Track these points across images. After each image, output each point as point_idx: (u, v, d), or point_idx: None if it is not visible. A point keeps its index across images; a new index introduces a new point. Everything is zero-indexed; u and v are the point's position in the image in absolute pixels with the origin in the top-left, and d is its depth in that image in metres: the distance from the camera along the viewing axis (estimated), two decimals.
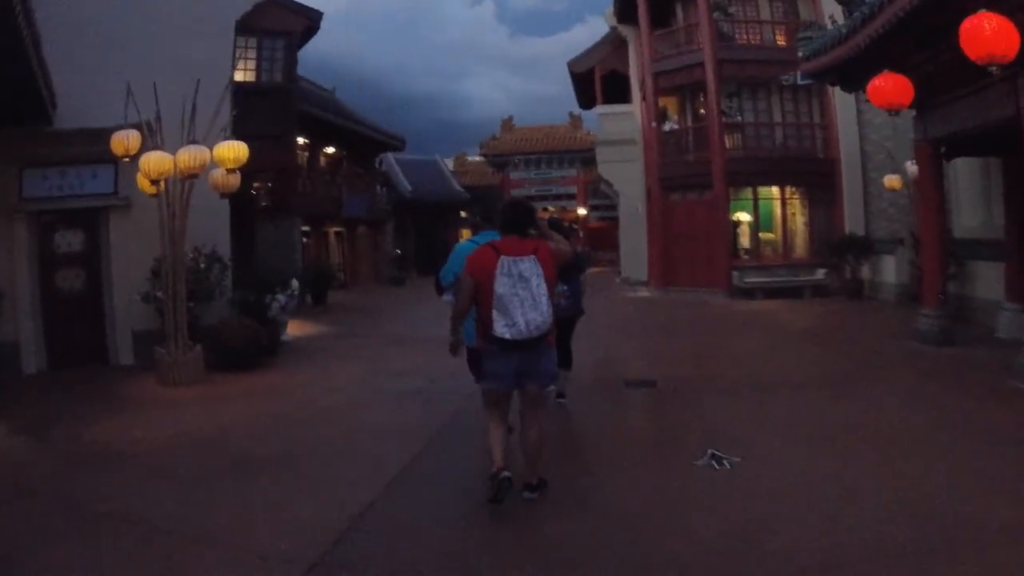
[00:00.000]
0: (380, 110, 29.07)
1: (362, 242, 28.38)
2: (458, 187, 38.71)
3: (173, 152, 8.49)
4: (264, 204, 15.47)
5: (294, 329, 13.51)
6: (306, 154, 23.29)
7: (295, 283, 11.67)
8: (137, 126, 8.58)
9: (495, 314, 3.93)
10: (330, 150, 25.13)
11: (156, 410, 7.44)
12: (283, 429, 6.58)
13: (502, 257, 3.94)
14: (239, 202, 12.35)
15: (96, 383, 8.86)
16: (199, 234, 10.15)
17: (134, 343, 10.11)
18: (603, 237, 35.53)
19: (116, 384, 8.85)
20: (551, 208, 35.71)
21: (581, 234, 31.13)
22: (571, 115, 40.63)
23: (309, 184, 22.61)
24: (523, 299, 3.88)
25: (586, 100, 29.32)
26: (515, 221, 4.14)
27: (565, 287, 6.06)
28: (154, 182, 8.70)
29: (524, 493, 4.24)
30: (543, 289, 3.93)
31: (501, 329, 3.92)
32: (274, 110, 14.05)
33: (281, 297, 10.92)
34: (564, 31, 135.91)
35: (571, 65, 26.30)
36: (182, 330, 8.95)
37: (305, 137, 22.33)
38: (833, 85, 12.97)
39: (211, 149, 8.80)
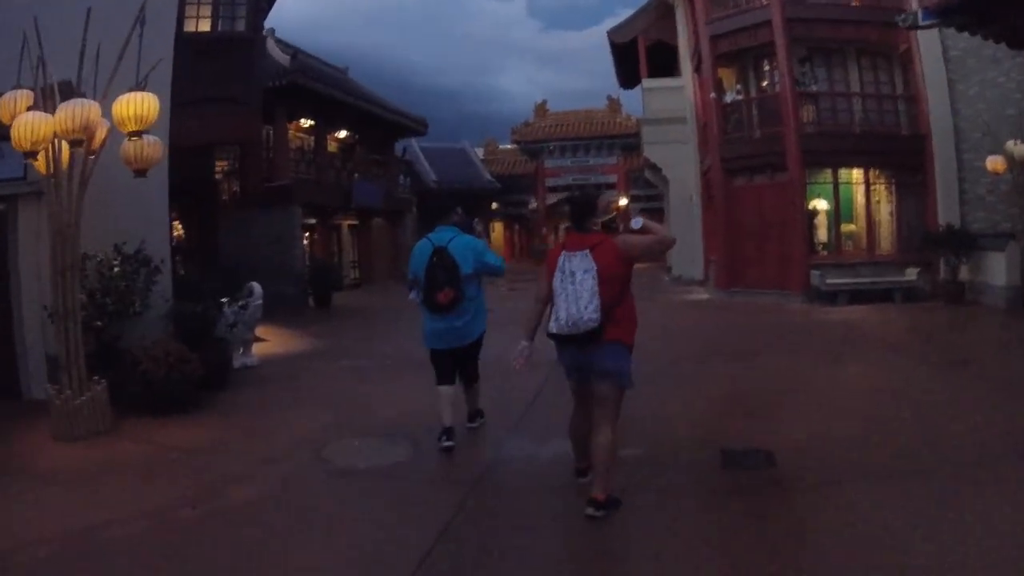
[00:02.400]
0: (409, 103, 26.70)
1: (379, 235, 25.74)
2: (488, 176, 36.07)
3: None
4: (234, 189, 12.48)
5: (271, 345, 10.87)
6: (311, 137, 20.74)
7: (256, 288, 8.94)
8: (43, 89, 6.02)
9: (553, 309, 3.99)
10: (341, 134, 22.53)
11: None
12: (131, 558, 3.86)
13: (563, 253, 3.98)
14: (196, 186, 9.74)
15: None
16: (123, 229, 7.60)
17: (51, 371, 7.49)
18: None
19: (5, 430, 6.34)
20: (620, 197, 32.88)
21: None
22: (609, 98, 38.04)
23: (314, 170, 20.04)
24: (568, 294, 3.86)
25: (628, 76, 26.45)
26: (581, 216, 4.10)
27: None
28: (31, 155, 6.07)
29: (587, 509, 3.95)
30: (587, 285, 3.83)
31: (550, 323, 3.99)
32: (234, 68, 11.06)
33: (229, 310, 8.23)
34: (595, 25, 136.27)
35: (612, 35, 23.32)
36: (76, 361, 6.32)
37: (309, 118, 19.78)
38: (961, 29, 10.00)
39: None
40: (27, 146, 5.95)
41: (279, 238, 17.14)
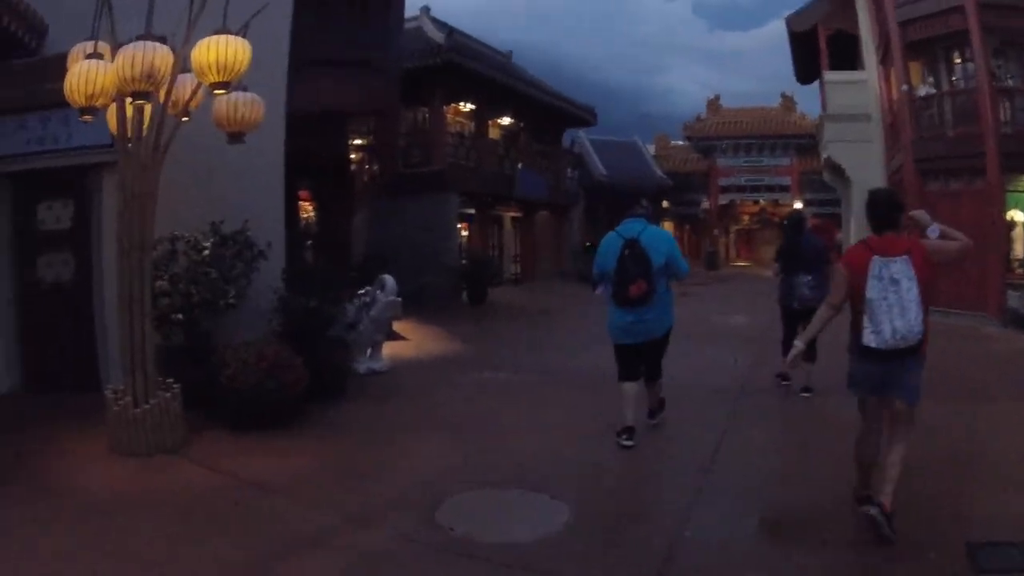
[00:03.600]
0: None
1: (543, 229, 24.20)
2: (660, 173, 33.76)
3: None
4: (373, 170, 10.92)
5: (409, 346, 9.51)
6: (471, 123, 19.52)
7: (388, 282, 7.51)
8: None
9: (864, 319, 3.58)
10: (504, 121, 21.19)
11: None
12: None
13: (874, 257, 3.59)
14: (328, 163, 8.54)
15: (36, 427, 5.46)
16: (227, 206, 6.44)
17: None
18: (817, 235, 29.41)
19: (63, 434, 5.36)
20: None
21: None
22: (783, 96, 35.15)
23: (474, 156, 18.77)
24: (891, 304, 3.50)
25: (805, 70, 23.62)
26: (888, 216, 3.75)
27: (810, 277, 6.37)
28: (90, 111, 4.90)
29: (869, 509, 3.52)
30: (913, 294, 3.49)
31: (868, 336, 3.57)
32: (369, 28, 9.27)
33: (352, 307, 6.83)
34: (759, 27, 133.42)
35: (790, 21, 20.56)
36: (142, 361, 5.11)
37: (468, 101, 18.54)
38: None
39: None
40: (82, 100, 4.81)
41: (432, 227, 16.01)
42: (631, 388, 5.16)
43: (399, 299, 7.41)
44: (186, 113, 5.45)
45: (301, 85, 7.57)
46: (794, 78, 25.18)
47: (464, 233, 19.68)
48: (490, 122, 20.37)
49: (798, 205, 31.94)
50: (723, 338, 10.32)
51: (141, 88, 4.70)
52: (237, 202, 6.60)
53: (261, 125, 5.71)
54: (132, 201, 5.12)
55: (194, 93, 5.37)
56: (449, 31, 16.60)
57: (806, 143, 31.10)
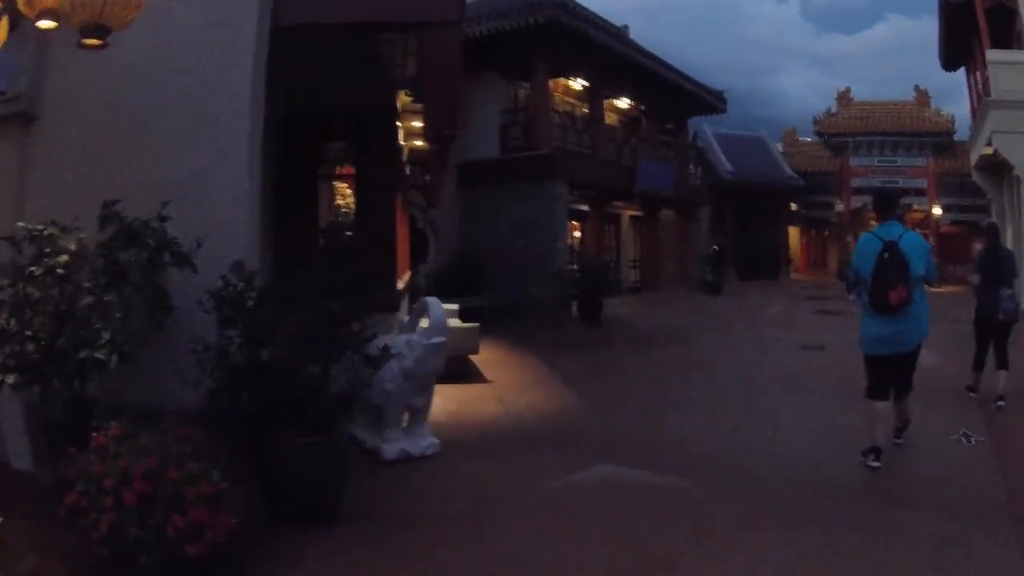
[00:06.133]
0: None
1: (667, 231, 20.63)
2: (789, 171, 29.90)
3: None
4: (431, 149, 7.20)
5: (484, 394, 6.45)
6: (584, 104, 16.34)
7: (434, 308, 4.40)
8: None
9: None
10: (623, 104, 17.89)
11: None
12: None
13: None
14: (369, 126, 5.62)
15: None
16: (146, 181, 3.65)
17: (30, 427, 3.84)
18: (955, 246, 27.09)
19: None
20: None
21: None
22: (917, 89, 31.46)
23: (588, 141, 15.56)
24: None
25: (953, 50, 19.89)
26: None
27: (1011, 290, 6.15)
28: None
29: None
30: None
31: None
32: None
33: (359, 356, 3.72)
34: (867, 29, 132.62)
35: None
36: None
37: (579, 76, 15.37)
38: None
39: None
40: None
41: (535, 224, 12.96)
42: (883, 408, 4.77)
43: (445, 340, 4.28)
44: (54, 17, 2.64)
45: None
46: (938, 63, 22.28)
47: (575, 234, 16.57)
48: (606, 103, 17.11)
49: (936, 211, 29.70)
50: (934, 394, 6.53)
51: None
52: (167, 173, 3.75)
53: (207, 40, 2.84)
54: None
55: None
56: None
57: (943, 141, 29.36)
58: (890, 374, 4.80)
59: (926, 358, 5.20)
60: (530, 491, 4.06)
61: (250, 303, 3.65)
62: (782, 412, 6.01)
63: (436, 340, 4.29)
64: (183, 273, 3.80)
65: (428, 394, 4.59)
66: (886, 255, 4.52)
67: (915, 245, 4.67)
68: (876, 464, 4.58)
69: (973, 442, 4.97)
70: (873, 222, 5.91)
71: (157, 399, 3.58)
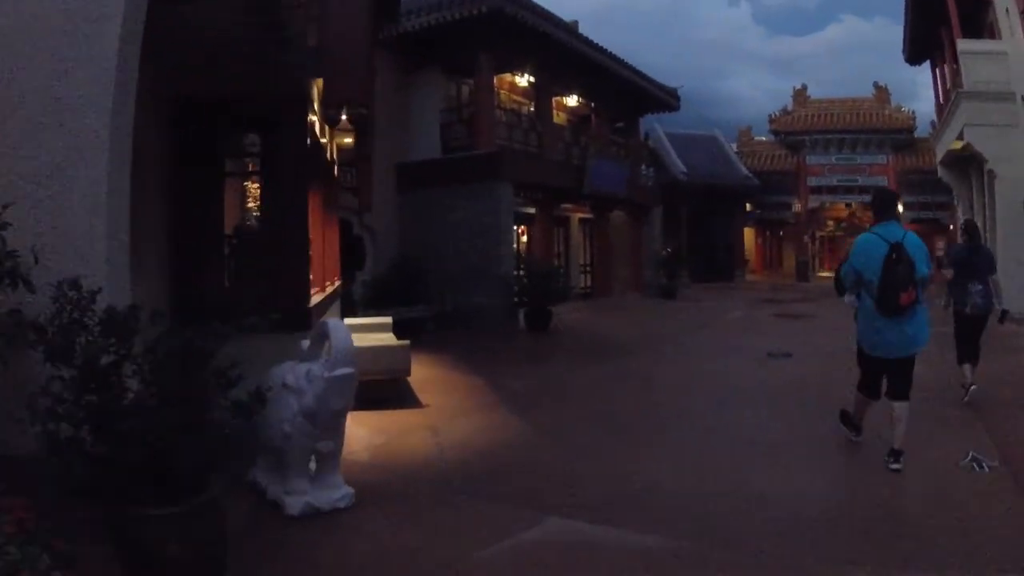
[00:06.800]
0: None
1: (619, 233, 20.07)
2: (744, 171, 29.66)
3: None
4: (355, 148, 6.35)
5: (418, 422, 5.66)
6: (531, 102, 15.67)
7: (337, 334, 3.57)
8: None
9: None
10: (571, 101, 17.25)
11: None
12: None
13: None
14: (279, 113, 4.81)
15: None
16: None
17: None
18: None
19: None
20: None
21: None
22: (876, 86, 31.39)
23: (534, 140, 14.88)
24: None
25: (919, 43, 19.76)
26: None
27: (981, 287, 6.22)
28: None
29: None
30: None
31: None
32: None
33: (233, 400, 2.89)
34: (819, 30, 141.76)
35: None
36: None
37: (525, 71, 14.67)
38: None
39: None
40: None
41: (479, 227, 12.27)
42: (875, 404, 4.93)
43: (353, 371, 3.46)
44: None
45: None
46: (894, 62, 22.55)
47: (522, 238, 15.86)
48: (554, 100, 16.44)
49: (899, 209, 28.15)
50: (928, 404, 6.21)
51: None
52: (17, 171, 2.91)
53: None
54: None
55: None
56: None
57: (904, 139, 29.27)
58: (887, 376, 4.79)
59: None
60: (459, 560, 3.26)
61: (90, 333, 2.80)
62: (757, 438, 5.33)
63: (341, 372, 3.46)
64: (16, 294, 2.98)
65: (338, 436, 3.75)
66: (894, 256, 4.47)
67: (916, 246, 4.62)
68: (857, 439, 5.05)
69: (986, 468, 4.34)
70: (868, 224, 5.56)
71: None
